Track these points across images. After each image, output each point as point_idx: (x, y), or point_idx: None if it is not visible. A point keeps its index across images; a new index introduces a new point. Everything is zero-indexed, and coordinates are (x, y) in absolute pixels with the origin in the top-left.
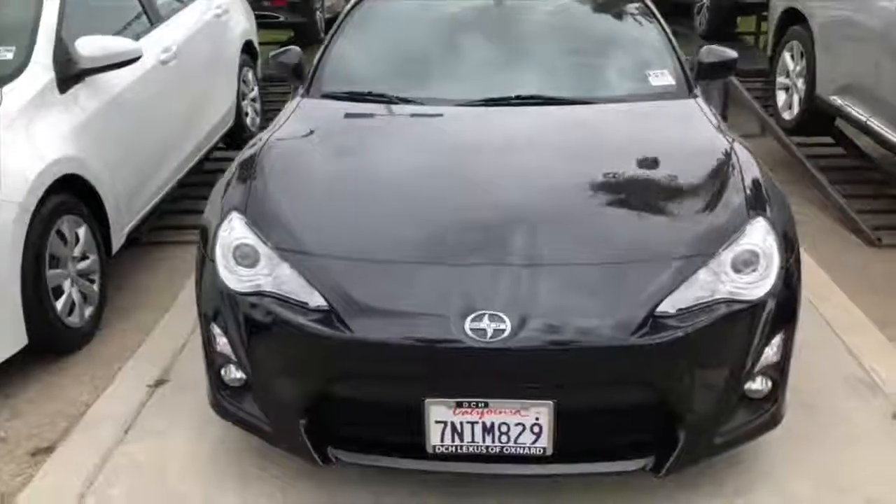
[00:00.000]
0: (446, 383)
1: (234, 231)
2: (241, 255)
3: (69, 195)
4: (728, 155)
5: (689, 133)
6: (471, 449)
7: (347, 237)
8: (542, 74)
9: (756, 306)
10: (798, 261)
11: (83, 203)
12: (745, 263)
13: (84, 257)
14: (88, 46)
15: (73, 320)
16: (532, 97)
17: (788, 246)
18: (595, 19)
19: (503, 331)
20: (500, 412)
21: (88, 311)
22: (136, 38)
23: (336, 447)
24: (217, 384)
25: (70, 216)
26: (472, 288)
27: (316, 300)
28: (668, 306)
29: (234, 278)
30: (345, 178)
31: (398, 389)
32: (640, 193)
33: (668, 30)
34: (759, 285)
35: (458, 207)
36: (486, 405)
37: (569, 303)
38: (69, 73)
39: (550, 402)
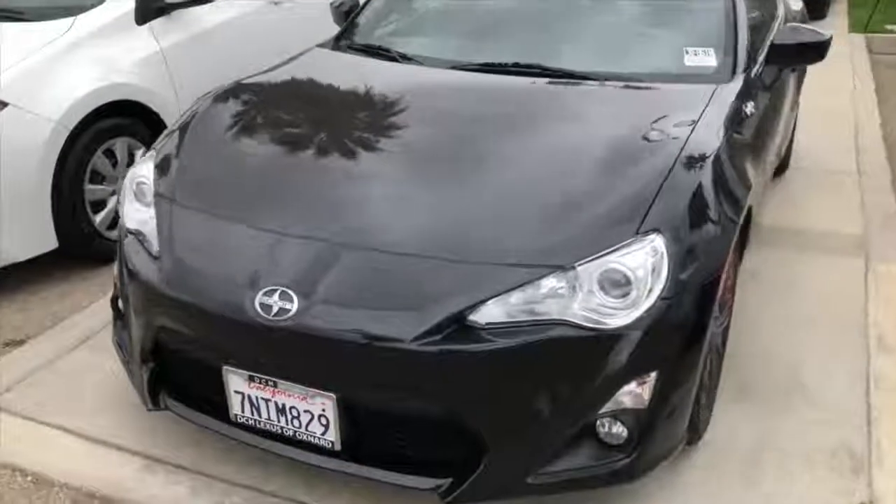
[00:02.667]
0: (240, 355)
1: (140, 168)
2: (140, 193)
3: (130, 119)
4: (670, 161)
5: (653, 126)
6: (268, 426)
7: (211, 191)
8: (554, 44)
9: (610, 337)
10: (707, 297)
11: (149, 128)
12: (613, 285)
13: None
14: None
15: (114, 234)
16: (531, 66)
17: (694, 277)
18: None
19: (288, 310)
20: (289, 395)
21: None
22: None
23: (169, 395)
24: (114, 312)
25: (126, 138)
26: (279, 260)
27: (157, 247)
28: (479, 317)
29: (126, 212)
30: (259, 133)
31: (203, 352)
32: (527, 188)
33: (740, 3)
34: (622, 314)
35: (325, 176)
36: (276, 385)
37: (366, 293)
38: (150, 6)
39: (334, 396)
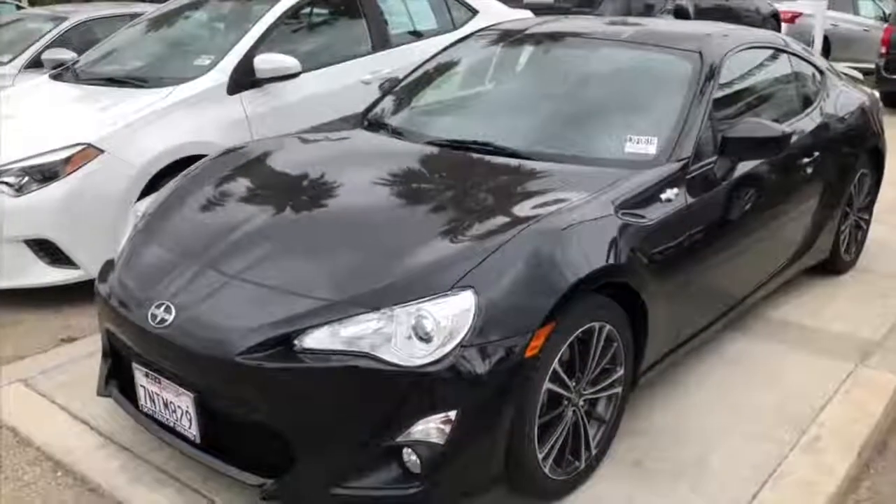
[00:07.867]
0: (140, 354)
1: (140, 203)
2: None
3: None
4: (513, 232)
5: (529, 201)
6: (160, 417)
7: (158, 225)
8: (513, 129)
9: (410, 374)
10: (512, 355)
11: None
12: (421, 329)
13: None
14: (263, 61)
15: None
16: (486, 144)
17: (498, 334)
18: (621, 74)
19: (166, 320)
20: (168, 391)
21: None
22: (350, 58)
23: (114, 385)
24: None
25: None
26: (177, 282)
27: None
28: (303, 342)
29: (120, 237)
30: (212, 186)
31: (125, 350)
32: (379, 241)
33: (706, 95)
34: (425, 355)
35: (228, 221)
36: (160, 381)
37: (218, 313)
38: (242, 81)
39: (191, 395)
